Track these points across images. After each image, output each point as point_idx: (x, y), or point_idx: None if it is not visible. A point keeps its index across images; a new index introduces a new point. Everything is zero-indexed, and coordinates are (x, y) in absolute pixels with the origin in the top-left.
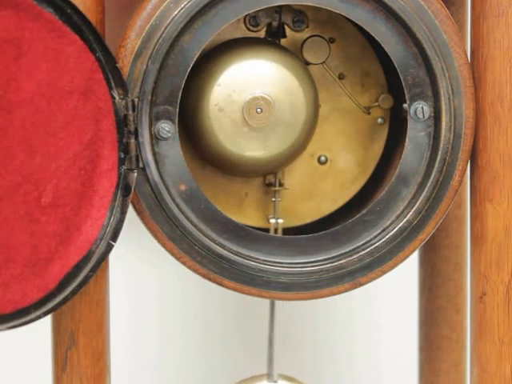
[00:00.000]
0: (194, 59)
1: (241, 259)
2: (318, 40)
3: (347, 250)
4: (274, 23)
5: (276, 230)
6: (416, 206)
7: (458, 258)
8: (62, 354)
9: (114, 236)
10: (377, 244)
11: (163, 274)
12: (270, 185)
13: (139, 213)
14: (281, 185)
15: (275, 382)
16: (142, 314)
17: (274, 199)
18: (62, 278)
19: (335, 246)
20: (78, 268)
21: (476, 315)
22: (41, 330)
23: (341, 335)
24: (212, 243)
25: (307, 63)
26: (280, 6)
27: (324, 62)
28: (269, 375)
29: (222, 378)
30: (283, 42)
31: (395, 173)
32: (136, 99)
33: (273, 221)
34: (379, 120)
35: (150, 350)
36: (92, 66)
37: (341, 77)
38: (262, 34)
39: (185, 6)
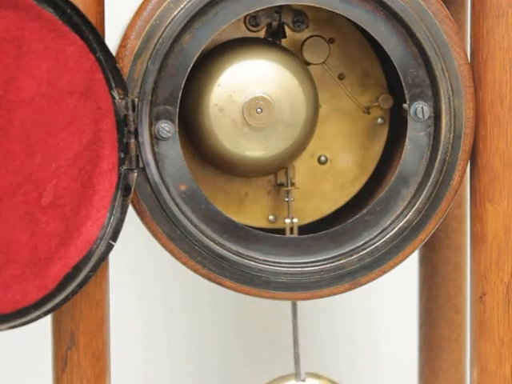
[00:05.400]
0: (194, 59)
1: (241, 259)
2: (317, 40)
3: (347, 249)
4: (274, 23)
5: (292, 230)
6: (416, 206)
7: (458, 258)
8: (62, 354)
9: (114, 236)
10: (377, 244)
11: (163, 274)
12: (281, 185)
13: (139, 213)
14: (292, 184)
15: (303, 380)
16: (142, 314)
17: (286, 199)
18: (62, 278)
19: (335, 246)
20: (78, 268)
21: (476, 315)
22: (41, 330)
23: (340, 335)
24: (212, 243)
25: (307, 63)
26: (280, 6)
27: (324, 62)
28: (296, 374)
29: (217, 378)
30: (283, 42)
31: (395, 173)
32: (136, 99)
33: (288, 221)
34: (379, 120)
35: (149, 350)
36: (92, 66)
37: (341, 77)
38: (262, 34)
39: (185, 6)
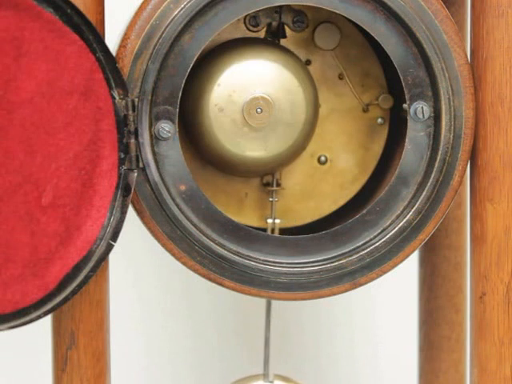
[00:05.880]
0: (194, 59)
1: (241, 259)
2: (330, 26)
3: (347, 250)
4: (274, 23)
5: (273, 230)
6: (416, 206)
7: (458, 258)
8: (62, 354)
9: (114, 236)
10: (377, 244)
11: (163, 274)
12: (267, 185)
13: (139, 213)
14: (278, 185)
15: (271, 382)
16: (142, 314)
17: (271, 199)
18: (62, 278)
19: (335, 246)
20: (77, 268)
21: (476, 315)
22: (41, 330)
23: (341, 335)
24: (212, 243)
25: (318, 47)
26: (280, 6)
27: (334, 49)
28: (265, 375)
29: (217, 378)
30: (283, 42)
31: (395, 173)
32: (136, 99)
33: (270, 221)
34: (379, 120)
35: (149, 350)
36: (92, 66)
37: (341, 77)
38: (262, 34)
39: (185, 6)
